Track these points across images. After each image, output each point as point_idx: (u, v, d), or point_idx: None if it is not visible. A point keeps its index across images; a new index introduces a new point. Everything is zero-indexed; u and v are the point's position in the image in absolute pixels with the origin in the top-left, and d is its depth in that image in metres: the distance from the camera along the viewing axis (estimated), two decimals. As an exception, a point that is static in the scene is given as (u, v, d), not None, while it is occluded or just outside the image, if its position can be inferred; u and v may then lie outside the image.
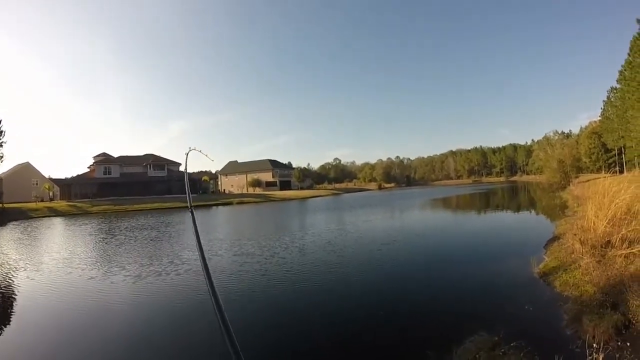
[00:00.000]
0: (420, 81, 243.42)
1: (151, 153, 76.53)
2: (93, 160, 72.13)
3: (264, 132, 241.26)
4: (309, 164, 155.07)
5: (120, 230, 23.94)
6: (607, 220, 9.51)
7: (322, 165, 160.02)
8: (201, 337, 6.37)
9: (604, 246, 8.77)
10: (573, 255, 9.04)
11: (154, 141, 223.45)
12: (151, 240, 18.71)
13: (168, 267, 11.88)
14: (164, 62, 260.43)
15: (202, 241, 2.14)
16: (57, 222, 33.92)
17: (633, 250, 7.88)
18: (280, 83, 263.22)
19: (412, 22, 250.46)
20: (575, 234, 9.87)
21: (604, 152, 57.25)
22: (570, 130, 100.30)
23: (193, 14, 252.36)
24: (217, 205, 54.78)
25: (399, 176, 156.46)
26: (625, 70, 38.34)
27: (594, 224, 9.77)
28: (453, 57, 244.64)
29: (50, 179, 67.21)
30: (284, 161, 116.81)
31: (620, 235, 8.67)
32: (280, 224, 25.39)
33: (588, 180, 39.93)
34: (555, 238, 12.53)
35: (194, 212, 2.69)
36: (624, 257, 7.86)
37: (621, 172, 43.40)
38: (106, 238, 20.20)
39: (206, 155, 3.93)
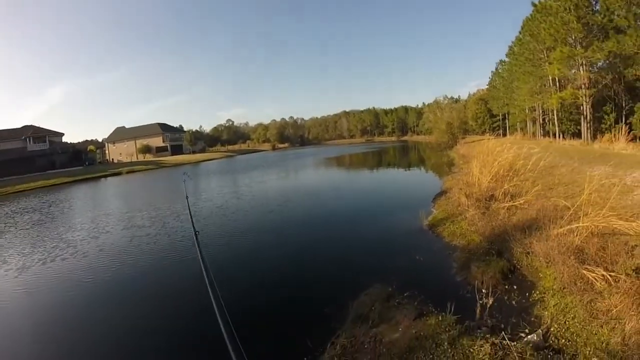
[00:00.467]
0: (315, 41, 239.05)
1: (30, 124, 65.62)
2: None
3: (153, 93, 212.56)
4: (200, 127, 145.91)
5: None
6: (490, 177, 10.02)
7: (215, 128, 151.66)
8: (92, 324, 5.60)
9: (488, 200, 9.20)
10: (459, 208, 9.39)
11: (32, 109, 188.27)
12: (33, 224, 15.75)
13: (53, 253, 10.14)
14: (36, 14, 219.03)
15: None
16: None
17: (514, 203, 8.32)
18: (167, 37, 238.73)
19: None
20: (461, 189, 10.27)
21: (489, 117, 62.28)
22: (459, 96, 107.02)
23: None
24: (105, 176, 48.42)
25: (292, 136, 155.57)
26: (515, 46, 41.70)
27: (479, 179, 10.26)
28: (350, 19, 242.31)
29: None
30: (175, 124, 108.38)
31: (502, 189, 9.15)
32: (171, 192, 23.15)
33: (473, 142, 43.35)
34: (442, 192, 13.11)
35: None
36: (507, 209, 8.27)
37: (504, 135, 48.22)
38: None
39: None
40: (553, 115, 34.47)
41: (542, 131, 39.47)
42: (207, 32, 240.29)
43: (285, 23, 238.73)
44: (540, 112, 39.92)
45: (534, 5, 31.37)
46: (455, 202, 10.15)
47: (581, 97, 25.45)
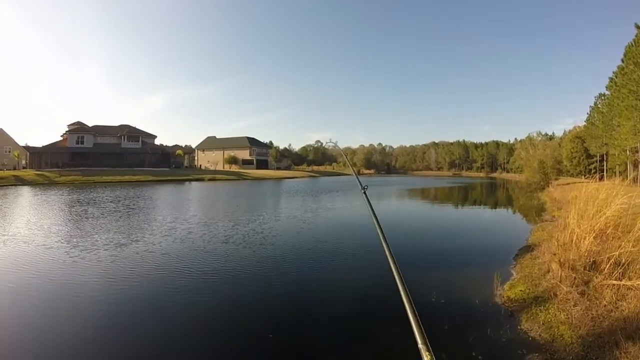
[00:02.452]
0: (409, 73, 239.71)
1: (127, 124, 73.19)
2: (67, 129, 68.35)
3: (247, 108, 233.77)
4: (290, 145, 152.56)
5: (71, 204, 21.93)
6: (593, 235, 7.55)
7: (303, 147, 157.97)
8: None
9: (588, 269, 6.82)
10: (548, 277, 7.09)
11: (135, 113, 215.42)
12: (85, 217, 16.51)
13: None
14: (150, 31, 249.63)
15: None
16: (16, 192, 31.43)
17: (626, 283, 5.93)
18: (267, 57, 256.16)
19: (409, 20, 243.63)
20: (554, 254, 7.71)
21: (585, 157, 56.64)
22: (553, 133, 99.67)
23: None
24: (188, 180, 53.32)
25: (379, 163, 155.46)
26: (616, 76, 37.38)
27: (577, 238, 7.79)
28: (444, 55, 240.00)
29: (26, 147, 63.96)
30: (266, 140, 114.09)
31: (610, 256, 6.73)
32: (242, 206, 22.99)
33: (568, 184, 38.68)
34: (528, 248, 10.58)
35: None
36: (615, 289, 5.91)
37: (601, 178, 42.42)
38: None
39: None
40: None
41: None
42: (303, 57, 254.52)
43: (374, 50, 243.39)
44: (644, 154, 34.96)
45: (638, 27, 27.48)
46: (544, 267, 7.80)
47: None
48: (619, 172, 42.34)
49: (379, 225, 2.00)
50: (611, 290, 5.97)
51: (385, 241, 1.84)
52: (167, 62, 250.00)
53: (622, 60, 33.98)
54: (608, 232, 7.78)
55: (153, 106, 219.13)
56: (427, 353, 1.11)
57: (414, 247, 11.64)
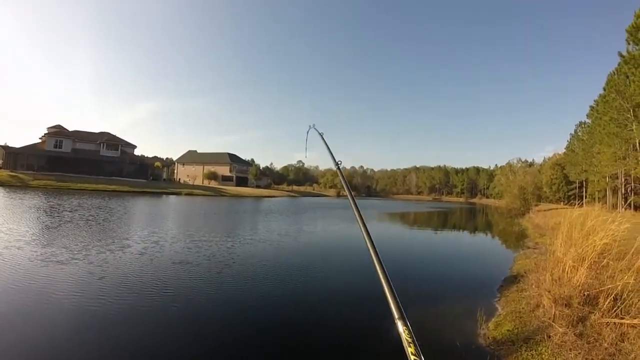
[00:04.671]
0: (390, 97, 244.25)
1: (107, 132, 71.48)
2: (46, 131, 65.94)
3: (231, 124, 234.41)
4: (271, 163, 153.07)
5: (27, 209, 20.42)
6: (587, 266, 6.75)
7: (285, 166, 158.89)
8: None
9: (582, 304, 5.98)
10: (538, 314, 6.22)
11: (119, 119, 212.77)
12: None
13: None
14: (141, 38, 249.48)
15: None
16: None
17: (630, 322, 5.10)
18: (252, 75, 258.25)
19: (392, 42, 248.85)
20: (548, 290, 6.68)
21: (565, 183, 57.59)
22: (533, 159, 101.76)
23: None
24: (165, 194, 52.08)
25: (360, 185, 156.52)
26: (597, 105, 38.27)
27: (568, 269, 6.98)
28: (425, 80, 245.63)
29: (4, 147, 61.12)
30: (248, 158, 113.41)
31: (607, 290, 5.91)
32: (211, 223, 21.54)
33: (548, 210, 38.55)
34: (512, 278, 9.73)
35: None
36: (616, 329, 5.08)
37: (581, 205, 42.86)
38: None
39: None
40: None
41: (623, 202, 34.67)
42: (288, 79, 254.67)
43: (359, 73, 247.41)
44: (623, 180, 35.35)
45: (622, 56, 27.82)
46: (532, 301, 6.93)
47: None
48: (599, 198, 42.82)
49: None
50: (611, 329, 5.15)
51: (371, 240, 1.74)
52: (153, 72, 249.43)
53: (604, 89, 34.50)
54: (603, 262, 6.96)
55: (136, 116, 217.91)
56: (404, 328, 1.20)
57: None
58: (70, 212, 20.66)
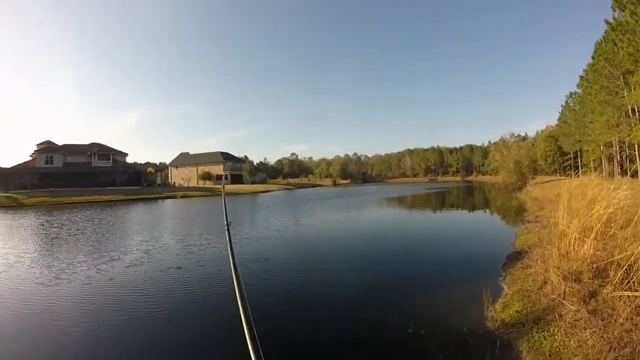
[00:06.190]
0: (381, 81, 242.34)
1: (97, 142, 70.91)
2: (36, 148, 65.21)
3: (222, 123, 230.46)
4: (265, 158, 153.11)
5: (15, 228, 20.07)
6: (594, 237, 6.46)
7: (279, 160, 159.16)
8: None
9: (592, 277, 5.71)
10: (546, 291, 5.94)
11: (109, 130, 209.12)
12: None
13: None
14: (123, 47, 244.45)
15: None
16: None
17: (644, 293, 4.82)
18: (240, 72, 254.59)
19: (380, 27, 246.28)
20: (557, 267, 6.25)
21: (559, 155, 57.50)
22: (526, 134, 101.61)
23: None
24: (160, 198, 51.80)
25: (355, 173, 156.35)
26: (587, 74, 38.04)
27: (574, 242, 6.69)
28: (413, 59, 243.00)
29: None
30: (241, 155, 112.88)
31: (618, 260, 5.63)
32: (206, 224, 21.12)
33: (545, 182, 38.47)
34: (516, 254, 9.46)
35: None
36: (631, 302, 4.81)
37: (577, 175, 43.00)
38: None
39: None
40: (634, 151, 29.88)
41: (619, 170, 34.55)
42: (278, 68, 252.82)
43: (346, 62, 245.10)
44: (618, 148, 35.19)
45: (608, 23, 27.47)
46: (539, 278, 6.65)
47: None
48: (594, 167, 42.76)
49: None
50: (625, 303, 4.87)
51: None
52: (139, 79, 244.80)
53: (593, 58, 34.21)
54: (610, 232, 6.67)
55: (125, 124, 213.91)
56: None
57: (388, 265, 10.12)
58: (57, 228, 20.29)
